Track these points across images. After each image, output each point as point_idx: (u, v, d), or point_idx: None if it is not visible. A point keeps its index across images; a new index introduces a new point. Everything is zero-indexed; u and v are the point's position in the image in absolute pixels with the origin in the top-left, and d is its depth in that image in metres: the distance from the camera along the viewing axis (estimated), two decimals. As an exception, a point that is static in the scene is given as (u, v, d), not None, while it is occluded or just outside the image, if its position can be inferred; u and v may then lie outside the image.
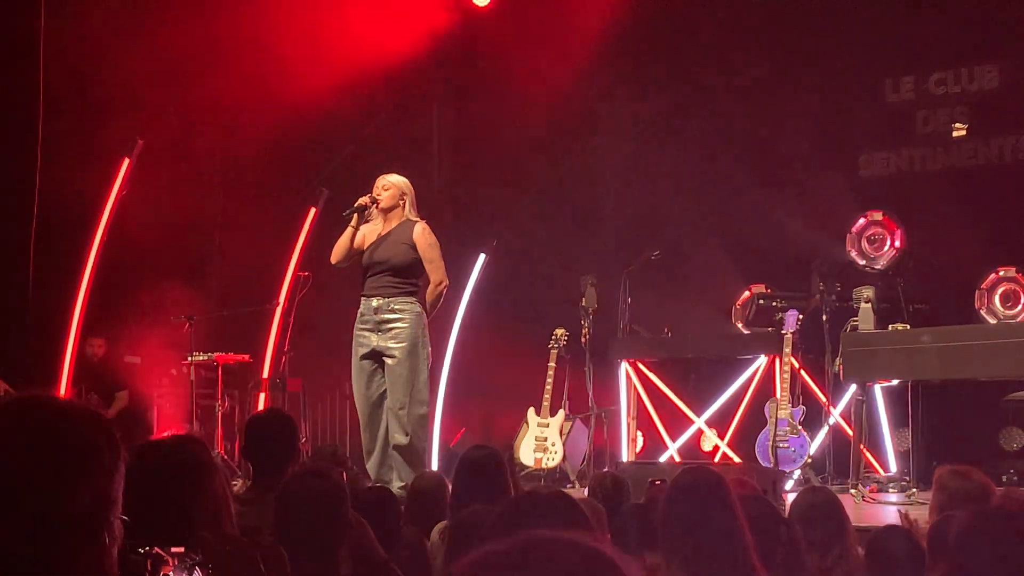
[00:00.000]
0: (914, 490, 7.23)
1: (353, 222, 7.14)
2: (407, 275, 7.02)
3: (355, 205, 7.15)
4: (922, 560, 3.47)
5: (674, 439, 8.96)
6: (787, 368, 8.13)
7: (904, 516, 4.39)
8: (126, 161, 8.82)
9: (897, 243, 8.47)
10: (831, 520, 3.81)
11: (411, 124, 10.74)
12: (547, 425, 8.90)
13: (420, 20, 10.37)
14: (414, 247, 7.02)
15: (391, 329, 6.93)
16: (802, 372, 8.37)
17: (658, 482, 4.80)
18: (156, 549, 1.85)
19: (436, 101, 11.16)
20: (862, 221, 8.58)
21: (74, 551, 1.54)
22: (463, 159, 10.99)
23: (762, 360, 8.58)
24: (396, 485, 6.77)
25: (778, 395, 8.13)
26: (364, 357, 7.03)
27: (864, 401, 7.74)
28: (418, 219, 7.14)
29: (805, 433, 8.02)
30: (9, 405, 1.63)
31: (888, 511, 6.68)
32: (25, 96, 9.13)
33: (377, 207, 7.14)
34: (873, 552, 3.65)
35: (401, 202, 7.14)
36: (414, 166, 8.18)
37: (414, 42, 10.23)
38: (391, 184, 7.17)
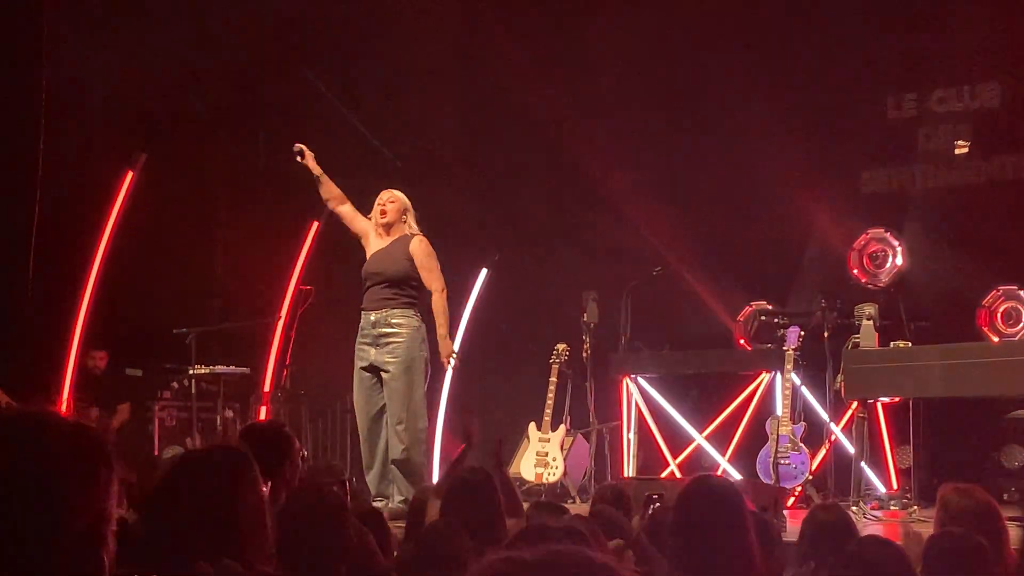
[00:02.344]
0: (915, 507, 7.21)
1: (315, 172, 7.15)
2: (403, 287, 7.01)
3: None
4: (906, 569, 3.46)
5: (675, 455, 8.95)
6: (788, 385, 8.12)
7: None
8: (129, 174, 8.83)
9: (899, 260, 8.46)
10: (841, 538, 3.81)
11: (416, 137, 10.74)
12: (548, 440, 8.89)
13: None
14: (410, 259, 7.03)
15: (388, 343, 6.93)
16: (803, 389, 8.36)
17: (655, 496, 4.78)
18: None
19: (441, 115, 11.17)
20: (864, 238, 8.58)
21: (74, 568, 1.54)
22: (466, 172, 10.98)
23: (763, 376, 8.58)
24: (396, 500, 6.77)
25: (779, 412, 8.12)
26: (364, 371, 7.04)
27: (865, 418, 7.73)
28: (417, 233, 7.15)
29: (806, 450, 8.00)
30: (10, 422, 1.61)
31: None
32: (27, 105, 9.13)
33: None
34: (852, 562, 3.64)
35: (404, 217, 7.16)
36: (422, 182, 8.19)
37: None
38: (397, 198, 7.19)
